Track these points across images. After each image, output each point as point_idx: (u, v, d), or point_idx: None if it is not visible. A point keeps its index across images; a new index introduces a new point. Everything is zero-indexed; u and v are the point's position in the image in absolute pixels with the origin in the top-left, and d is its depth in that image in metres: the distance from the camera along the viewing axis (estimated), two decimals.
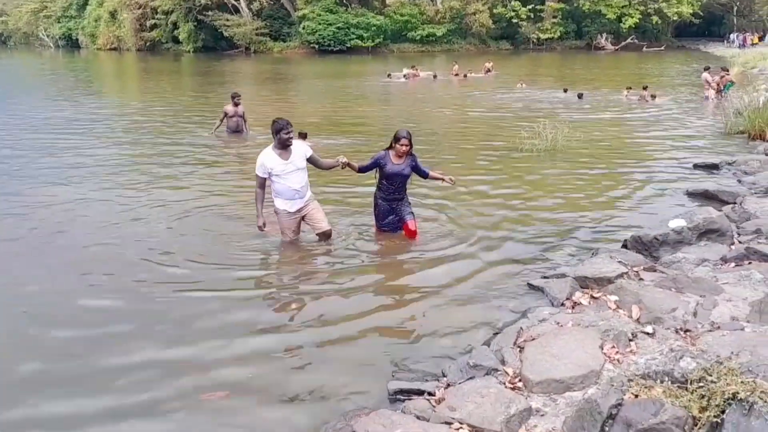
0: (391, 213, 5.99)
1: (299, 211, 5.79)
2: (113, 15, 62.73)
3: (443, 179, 6.05)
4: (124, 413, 3.44)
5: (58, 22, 76.97)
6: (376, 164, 5.86)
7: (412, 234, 5.93)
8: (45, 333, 4.40)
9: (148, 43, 59.47)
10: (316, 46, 49.60)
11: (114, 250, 5.95)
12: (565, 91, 19.69)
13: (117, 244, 6.12)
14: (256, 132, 12.23)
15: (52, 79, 30.86)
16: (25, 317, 4.66)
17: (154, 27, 58.17)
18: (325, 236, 5.88)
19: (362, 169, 5.94)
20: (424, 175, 6.03)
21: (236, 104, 12.03)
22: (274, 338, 4.28)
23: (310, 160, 5.76)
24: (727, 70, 18.38)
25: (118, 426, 3.34)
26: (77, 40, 74.26)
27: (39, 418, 3.45)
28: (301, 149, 5.73)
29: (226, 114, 12.02)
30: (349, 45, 49.21)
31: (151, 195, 7.92)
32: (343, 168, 5.85)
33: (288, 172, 5.59)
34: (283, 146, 5.57)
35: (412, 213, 6.03)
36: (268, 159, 5.57)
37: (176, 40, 56.91)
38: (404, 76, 26.40)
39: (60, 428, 3.36)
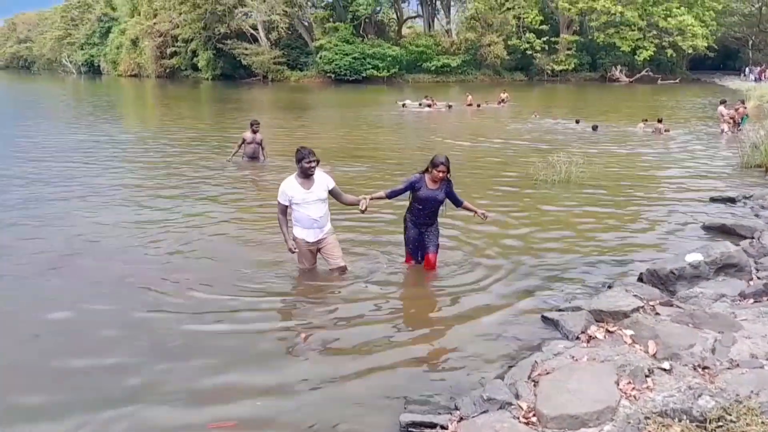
0: (419, 238, 5.88)
1: (317, 242, 5.75)
2: (135, 42, 64.29)
3: (476, 212, 5.92)
4: None
5: (81, 49, 78.95)
6: (410, 187, 5.72)
7: (430, 267, 5.88)
8: (52, 360, 4.37)
9: (167, 70, 60.71)
10: (333, 76, 50.31)
11: (125, 276, 5.94)
12: (577, 122, 19.78)
13: (129, 270, 6.11)
14: (273, 159, 12.38)
15: (73, 104, 31.51)
16: (36, 342, 4.68)
17: (174, 54, 59.43)
18: (339, 272, 5.83)
19: (393, 193, 5.79)
20: (458, 204, 5.90)
21: (254, 131, 12.18)
22: (285, 368, 4.26)
23: (332, 192, 5.70)
24: (744, 103, 18.34)
25: None
26: (99, 66, 76.00)
27: None
28: (323, 180, 5.67)
29: (244, 140, 12.17)
30: (364, 75, 49.87)
31: (165, 221, 7.98)
32: (363, 212, 5.65)
33: (308, 202, 5.55)
34: (306, 175, 5.55)
35: (438, 245, 5.92)
36: (289, 187, 5.56)
37: (195, 68, 58.04)
38: (419, 104, 26.67)
39: None
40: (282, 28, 51.28)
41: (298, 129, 19.75)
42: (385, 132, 18.83)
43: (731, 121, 17.06)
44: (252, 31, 53.46)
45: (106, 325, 4.95)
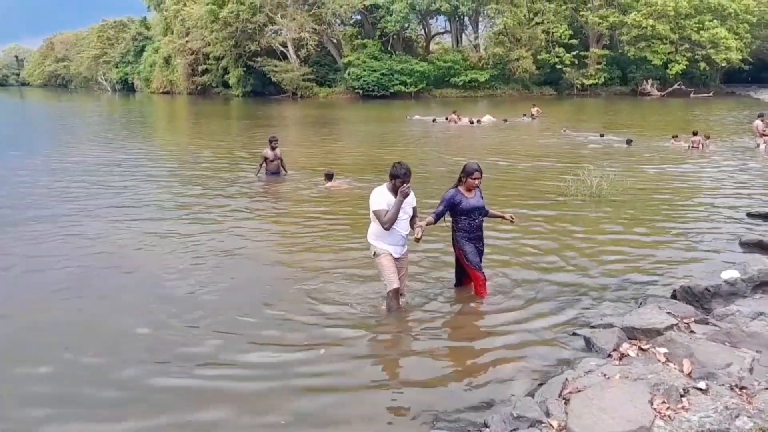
0: (478, 253, 5.66)
1: (400, 259, 5.44)
2: (167, 60, 65.83)
3: (503, 217, 5.85)
4: None
5: (116, 67, 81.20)
6: (450, 204, 5.54)
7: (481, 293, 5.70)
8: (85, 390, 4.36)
9: (198, 87, 61.96)
10: (361, 92, 50.67)
11: (150, 301, 5.90)
12: (602, 135, 19.60)
13: (155, 293, 6.10)
14: (298, 173, 12.59)
15: (107, 120, 32.30)
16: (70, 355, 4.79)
17: (205, 72, 60.65)
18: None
19: (437, 217, 5.54)
20: (485, 213, 5.77)
21: (273, 148, 12.40)
22: (312, 384, 4.28)
23: (413, 211, 5.47)
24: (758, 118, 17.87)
25: None
26: (132, 84, 77.92)
27: None
28: (412, 198, 5.40)
29: (266, 159, 12.37)
30: (392, 90, 50.10)
31: (192, 238, 8.05)
32: (418, 242, 5.35)
33: (399, 218, 5.25)
34: (396, 192, 5.21)
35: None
36: (387, 196, 5.22)
37: (226, 85, 59.09)
38: (446, 119, 26.76)
39: None
40: (311, 45, 51.94)
41: (325, 144, 19.91)
42: (412, 147, 18.86)
43: (765, 135, 16.66)
44: (282, 49, 54.26)
45: (126, 355, 5.03)
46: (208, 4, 54.54)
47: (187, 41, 60.35)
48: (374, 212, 5.23)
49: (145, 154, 17.31)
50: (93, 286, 6.24)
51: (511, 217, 5.85)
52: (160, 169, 14.62)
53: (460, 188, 5.60)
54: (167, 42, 64.32)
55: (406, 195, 5.17)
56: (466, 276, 5.77)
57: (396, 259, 5.39)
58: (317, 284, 6.12)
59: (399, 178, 5.15)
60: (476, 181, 5.53)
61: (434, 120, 26.96)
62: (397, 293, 5.38)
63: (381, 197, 5.22)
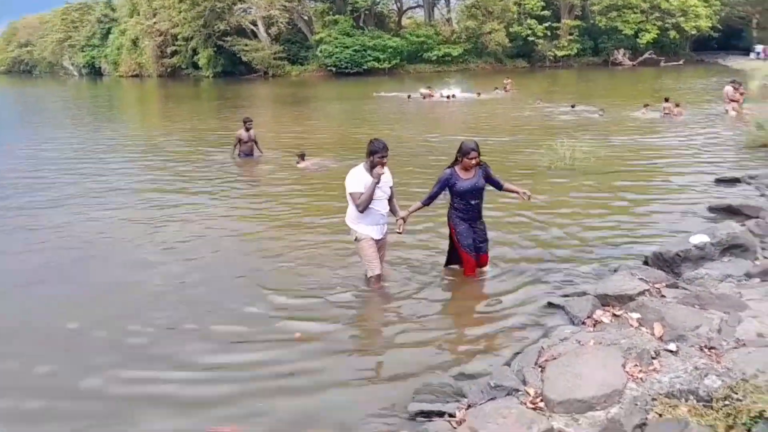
0: (473, 233, 5.49)
1: (380, 239, 5.37)
2: (135, 43, 64.30)
3: (518, 192, 5.53)
4: None
5: (82, 51, 79.09)
6: (445, 186, 5.38)
7: (483, 263, 5.62)
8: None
9: (168, 69, 60.72)
10: (333, 69, 50.14)
11: (112, 297, 5.75)
12: (573, 106, 19.81)
13: (120, 288, 5.95)
14: (272, 154, 12.51)
15: (75, 105, 31.59)
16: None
17: (174, 53, 59.43)
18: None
19: (430, 199, 5.43)
20: (499, 187, 5.56)
21: (247, 129, 12.29)
22: (290, 359, 4.30)
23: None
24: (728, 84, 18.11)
25: None
26: (100, 68, 76.09)
27: None
28: (388, 177, 5.26)
29: (240, 140, 12.25)
30: (365, 67, 49.67)
31: (163, 224, 7.95)
32: (400, 234, 5.34)
33: (378, 196, 5.16)
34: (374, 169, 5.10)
35: (487, 241, 5.64)
36: (364, 176, 5.10)
37: (196, 66, 57.99)
38: (420, 94, 26.66)
39: None
40: (281, 22, 51.12)
41: (298, 123, 19.73)
42: (388, 124, 18.79)
43: (739, 100, 16.90)
44: (252, 27, 53.33)
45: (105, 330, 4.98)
46: None
47: (154, 22, 58.93)
48: (350, 194, 5.15)
49: (114, 139, 16.99)
50: (52, 282, 6.04)
51: (526, 193, 5.50)
52: (129, 154, 14.38)
53: (456, 168, 5.38)
54: (134, 23, 62.74)
55: (380, 177, 5.06)
56: (457, 255, 5.62)
57: (380, 239, 5.34)
58: (292, 270, 6.07)
59: (377, 153, 5.03)
60: (473, 161, 5.28)
61: (409, 96, 26.83)
62: (379, 279, 5.36)
63: (357, 179, 5.10)
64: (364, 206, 5.10)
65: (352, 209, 5.24)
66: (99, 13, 76.92)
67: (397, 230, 5.27)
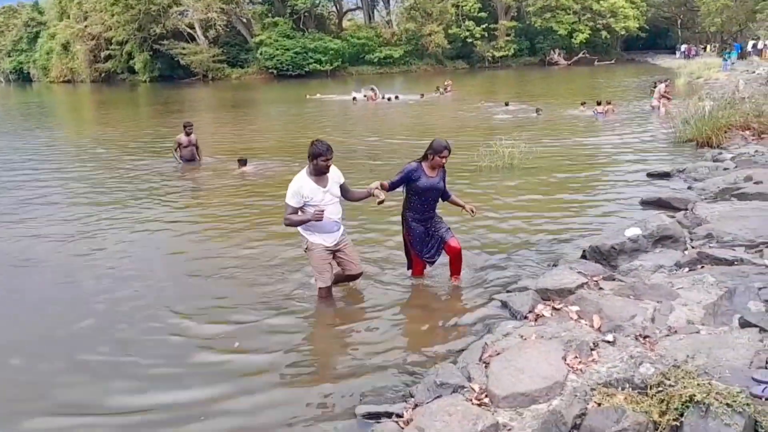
0: (426, 236, 5.33)
1: (336, 245, 5.07)
2: (66, 47, 61.99)
3: (464, 207, 5.45)
4: None
5: (9, 56, 75.78)
6: (407, 178, 5.15)
7: (456, 251, 5.36)
8: None
9: (102, 75, 58.87)
10: (275, 71, 49.74)
11: (65, 295, 5.74)
12: (506, 104, 20.48)
13: (70, 288, 5.90)
14: (214, 159, 12.23)
15: (1, 112, 30.16)
16: None
17: (108, 58, 57.69)
18: (352, 279, 5.29)
19: (392, 186, 5.16)
20: (446, 197, 5.42)
21: (188, 133, 11.97)
22: (238, 365, 4.23)
23: (341, 188, 5.04)
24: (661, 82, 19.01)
25: None
26: (29, 73, 72.95)
27: None
28: (335, 175, 4.98)
29: (180, 144, 11.96)
30: (307, 69, 49.49)
31: (107, 233, 7.67)
32: (380, 203, 5.01)
33: (327, 202, 4.86)
34: (320, 173, 4.86)
35: (449, 228, 5.43)
36: (305, 186, 4.80)
37: (132, 71, 56.43)
38: (363, 95, 26.77)
39: None
40: (219, 25, 50.36)
41: (239, 127, 19.43)
42: (330, 126, 18.74)
43: (666, 98, 17.70)
44: (189, 30, 52.29)
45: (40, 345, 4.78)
46: None
47: (86, 26, 56.99)
48: (286, 203, 4.87)
49: (45, 148, 16.32)
50: None
51: (473, 209, 5.46)
52: (59, 162, 13.79)
53: (424, 164, 5.18)
54: (64, 27, 60.46)
55: (320, 218, 4.78)
56: (440, 244, 5.38)
57: (334, 251, 5.05)
58: (233, 281, 5.91)
59: (321, 156, 4.73)
60: (443, 160, 5.14)
61: (354, 99, 26.85)
62: (328, 291, 5.16)
63: (293, 190, 4.81)
64: (289, 224, 4.90)
65: None
66: (26, 17, 73.86)
67: (379, 199, 4.90)
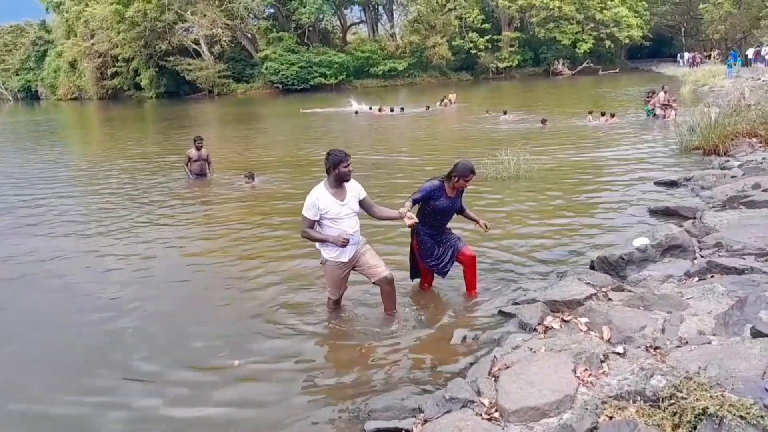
0: (438, 247, 5.30)
1: (352, 259, 4.95)
2: (73, 65, 62.64)
3: (478, 222, 5.44)
4: None
5: (17, 74, 76.58)
6: (429, 197, 5.11)
7: (471, 259, 5.36)
8: None
9: (109, 92, 59.39)
10: (280, 86, 50.06)
11: (80, 313, 5.74)
12: (505, 113, 20.54)
13: (83, 307, 5.89)
14: (223, 174, 12.26)
15: (11, 131, 30.44)
16: None
17: (115, 75, 58.21)
18: (386, 283, 4.97)
19: (414, 203, 5.09)
20: (461, 211, 5.43)
21: (198, 148, 11.99)
22: (249, 382, 4.22)
23: (363, 203, 4.89)
24: (654, 94, 18.96)
25: None
26: (37, 91, 73.68)
27: None
28: (355, 189, 4.86)
29: (189, 159, 11.99)
30: (312, 83, 49.76)
31: (116, 249, 7.67)
32: (410, 226, 4.92)
33: (344, 215, 4.75)
34: (340, 183, 4.76)
35: (460, 238, 5.45)
36: (322, 199, 4.69)
37: (138, 87, 56.90)
38: (370, 108, 26.98)
39: None
40: (224, 41, 50.77)
41: (246, 142, 19.52)
42: (336, 141, 18.80)
43: (668, 106, 17.67)
44: (194, 46, 52.76)
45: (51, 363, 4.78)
46: (112, 4, 52.29)
47: (92, 44, 57.57)
48: (302, 215, 4.80)
49: (55, 164, 16.42)
50: None
51: (486, 225, 5.43)
52: (70, 179, 13.91)
53: (446, 185, 5.15)
54: (71, 45, 61.10)
55: (344, 245, 4.73)
56: (453, 254, 5.35)
57: (351, 260, 4.91)
58: (245, 293, 5.95)
59: (342, 163, 4.63)
60: (467, 184, 5.13)
61: (356, 113, 26.98)
62: (337, 302, 5.18)
63: (312, 201, 4.69)
64: (306, 237, 4.83)
65: (318, 230, 4.85)
66: (33, 36, 74.71)
67: (408, 223, 4.79)
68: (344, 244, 4.71)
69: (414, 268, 5.59)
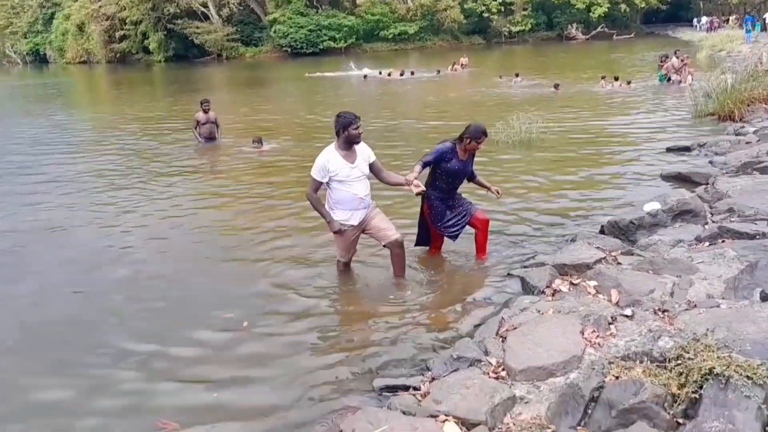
0: (450, 211, 5.26)
1: (361, 223, 4.93)
2: (81, 28, 62.03)
3: (490, 189, 5.42)
4: None
5: (25, 37, 75.98)
6: (441, 158, 5.05)
7: (484, 222, 5.35)
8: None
9: (118, 55, 58.88)
10: (289, 50, 49.44)
11: (93, 275, 5.79)
12: (517, 75, 20.66)
13: (100, 269, 5.95)
14: (227, 139, 12.25)
15: (21, 94, 30.43)
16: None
17: (123, 38, 57.65)
18: (396, 246, 4.94)
19: (424, 166, 5.07)
20: (472, 177, 5.38)
21: (205, 111, 11.88)
22: (258, 342, 4.28)
23: (372, 166, 4.86)
24: (667, 58, 18.57)
25: None
26: (45, 55, 73.27)
27: None
28: (365, 152, 4.83)
29: (198, 122, 11.93)
30: (321, 47, 49.13)
31: (125, 215, 7.65)
32: (418, 194, 4.86)
33: (354, 178, 4.72)
34: (350, 145, 4.72)
35: (471, 203, 5.41)
36: (333, 160, 4.66)
37: (147, 50, 56.42)
38: (380, 73, 26.64)
39: None
40: (233, 3, 50.11)
41: (254, 106, 19.40)
42: (345, 105, 18.65)
43: (682, 71, 17.34)
44: (202, 9, 52.07)
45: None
46: None
47: (100, 6, 56.90)
48: (310, 176, 4.78)
49: (65, 127, 16.46)
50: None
51: (498, 191, 5.43)
52: (80, 142, 13.96)
53: (458, 147, 5.10)
54: (78, 8, 60.40)
55: (339, 233, 4.81)
56: (467, 215, 5.33)
57: (361, 223, 4.89)
58: (256, 254, 6.01)
59: (352, 125, 4.60)
60: (479, 146, 5.10)
61: (365, 77, 26.69)
62: (346, 265, 5.21)
63: (321, 164, 4.67)
64: (310, 200, 4.83)
65: (328, 193, 4.86)
66: None
67: (416, 191, 4.71)
68: (337, 231, 4.78)
69: (421, 234, 5.56)
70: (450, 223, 5.30)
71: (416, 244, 5.61)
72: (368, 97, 20.85)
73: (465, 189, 5.51)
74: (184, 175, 9.72)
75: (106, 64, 57.71)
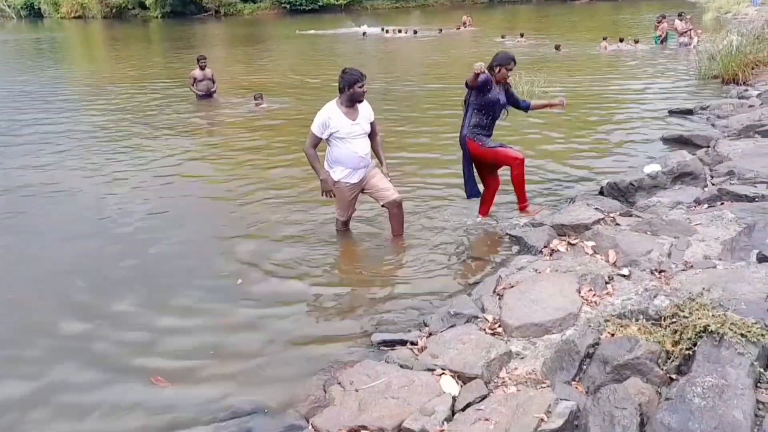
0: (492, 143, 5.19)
1: (361, 181, 4.93)
2: None
3: (552, 104, 5.44)
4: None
5: None
6: (487, 84, 4.91)
7: (521, 161, 5.17)
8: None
9: (113, 10, 57.66)
10: (288, 6, 48.48)
11: (90, 234, 5.82)
12: (522, 35, 20.56)
13: (96, 229, 5.96)
14: (223, 97, 12.14)
15: (15, 48, 29.92)
16: None
17: None
18: (395, 206, 4.95)
19: (477, 82, 4.84)
20: (525, 107, 5.35)
21: (202, 67, 11.78)
22: (256, 295, 4.32)
23: (371, 127, 4.87)
24: (672, 18, 18.28)
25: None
26: (39, 9, 71.81)
27: None
28: (367, 110, 4.81)
29: (195, 79, 11.81)
30: (321, 4, 48.17)
31: (128, 170, 7.64)
32: (476, 74, 4.74)
33: (355, 135, 4.70)
34: (353, 103, 4.70)
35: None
36: (334, 117, 4.64)
37: (143, 6, 55.21)
38: (382, 29, 26.31)
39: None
40: None
41: (253, 64, 19.14)
42: (345, 63, 18.37)
43: (688, 33, 17.09)
44: None
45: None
46: None
47: None
48: (310, 130, 4.75)
49: (60, 83, 16.25)
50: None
51: (562, 101, 5.40)
52: (77, 98, 13.79)
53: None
54: None
55: (327, 194, 4.86)
56: (488, 178, 5.34)
57: (361, 181, 4.88)
58: (253, 215, 5.96)
59: (357, 83, 4.58)
60: (509, 72, 5.08)
61: (364, 34, 26.27)
62: (345, 224, 5.21)
63: (323, 120, 4.64)
64: (306, 155, 4.80)
65: (328, 150, 4.85)
66: None
67: (479, 71, 4.67)
68: (329, 190, 4.82)
69: (472, 186, 5.36)
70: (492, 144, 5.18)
71: (469, 197, 5.45)
72: (368, 56, 20.52)
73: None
74: (185, 133, 9.63)
75: (101, 19, 56.58)
